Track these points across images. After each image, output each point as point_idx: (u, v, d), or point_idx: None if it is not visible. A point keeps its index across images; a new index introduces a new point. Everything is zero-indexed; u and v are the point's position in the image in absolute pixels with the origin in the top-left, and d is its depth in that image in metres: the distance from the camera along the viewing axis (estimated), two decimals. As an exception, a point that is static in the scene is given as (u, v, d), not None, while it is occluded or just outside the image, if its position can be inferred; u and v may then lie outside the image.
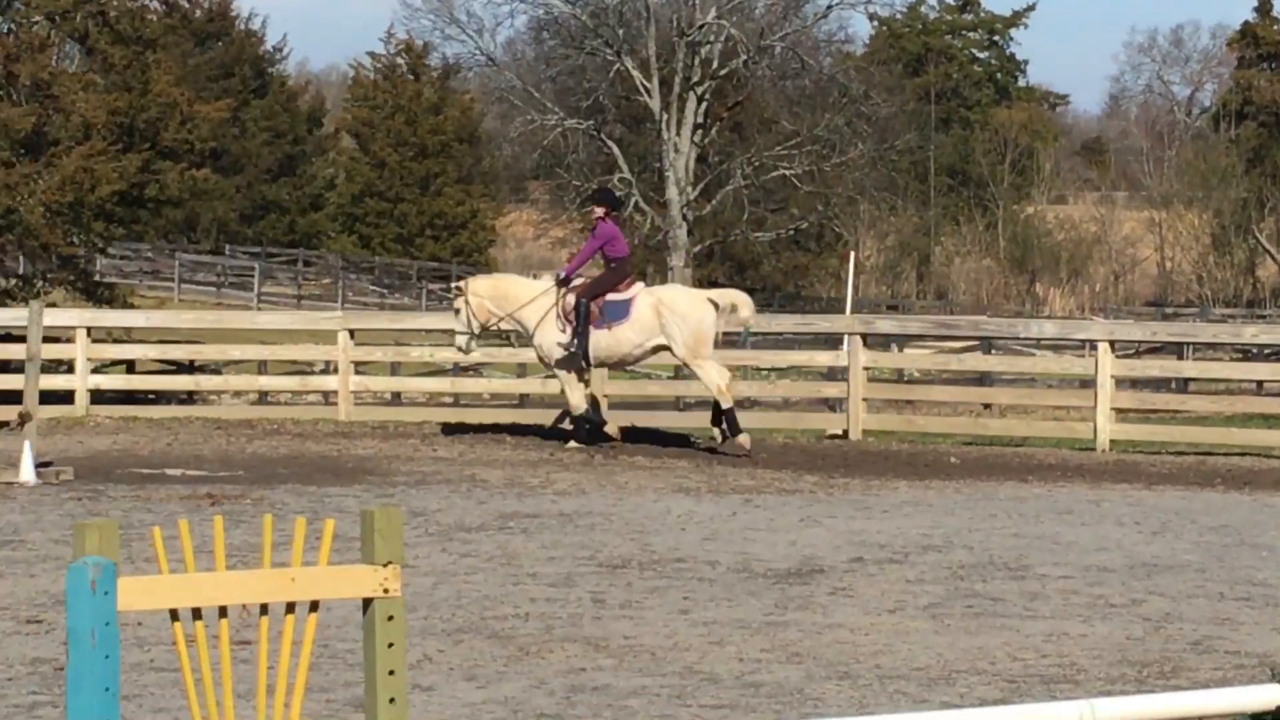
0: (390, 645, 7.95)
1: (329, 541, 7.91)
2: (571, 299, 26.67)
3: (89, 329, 32.40)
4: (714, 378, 27.48)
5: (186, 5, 51.49)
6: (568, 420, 27.99)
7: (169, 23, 49.46)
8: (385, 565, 7.90)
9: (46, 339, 27.62)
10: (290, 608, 7.83)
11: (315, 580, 7.91)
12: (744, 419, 30.56)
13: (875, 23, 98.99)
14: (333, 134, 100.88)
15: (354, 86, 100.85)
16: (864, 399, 30.14)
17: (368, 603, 7.94)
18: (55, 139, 43.99)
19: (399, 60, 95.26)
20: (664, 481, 24.76)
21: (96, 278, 50.26)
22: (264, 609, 7.83)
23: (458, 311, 27.46)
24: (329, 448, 28.28)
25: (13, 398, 27.62)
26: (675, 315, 27.12)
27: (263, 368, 36.03)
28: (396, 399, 34.22)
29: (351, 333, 32.33)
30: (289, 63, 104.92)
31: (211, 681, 7.67)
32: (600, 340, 26.63)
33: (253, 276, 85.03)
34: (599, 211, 28.48)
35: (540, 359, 27.71)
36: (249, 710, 7.85)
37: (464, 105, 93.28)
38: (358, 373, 32.07)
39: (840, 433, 29.74)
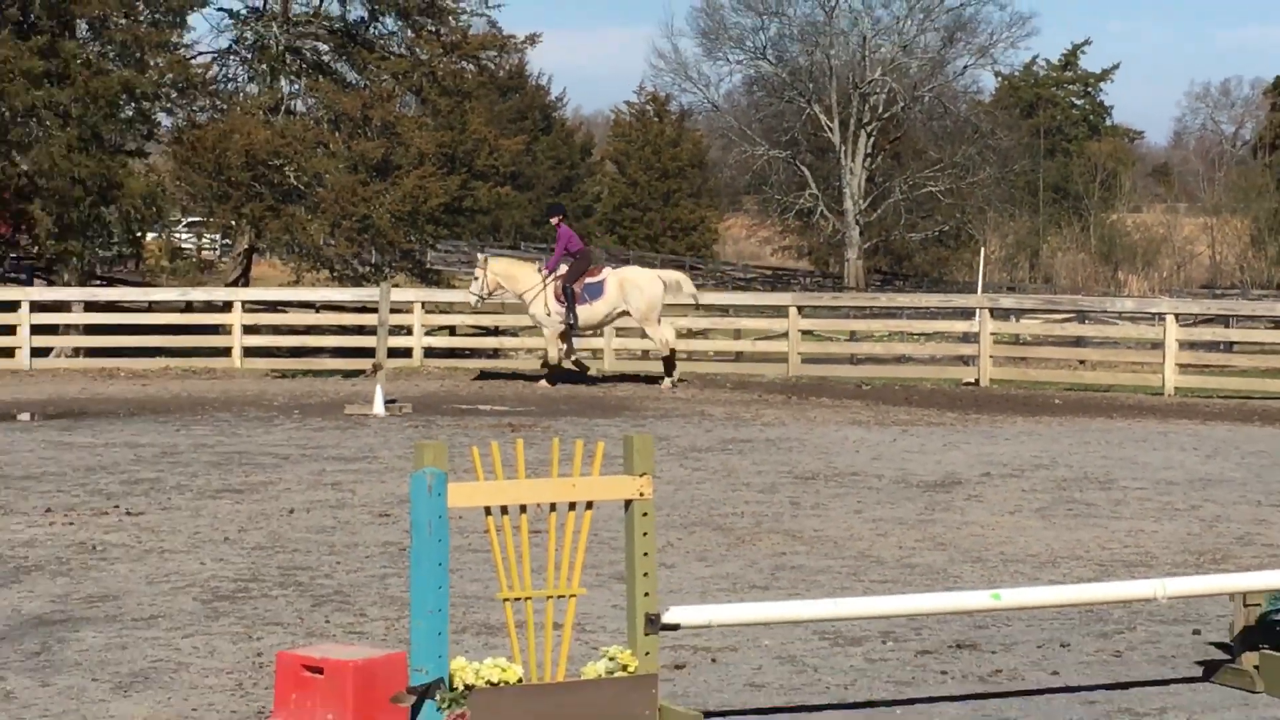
0: (644, 534, 8.24)
1: (600, 458, 8.13)
2: (557, 285, 27.57)
3: (423, 303, 32.77)
4: (661, 335, 28.60)
5: (493, 67, 51.54)
6: (542, 366, 29.41)
7: (480, 80, 49.66)
8: (641, 475, 8.19)
9: (393, 310, 28.13)
10: (571, 506, 8.10)
11: (590, 486, 8.21)
12: (901, 371, 32.00)
13: (999, 78, 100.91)
14: (599, 161, 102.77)
15: (615, 126, 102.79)
16: (990, 356, 30.13)
17: (628, 503, 8.24)
18: (398, 165, 44.40)
19: (647, 107, 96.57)
20: (842, 416, 25.19)
21: (427, 266, 50.40)
22: (552, 507, 8.07)
23: (476, 279, 28.36)
24: (598, 390, 28.41)
25: (368, 353, 28.18)
26: (635, 289, 28.13)
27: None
28: (645, 355, 34.15)
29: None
30: (567, 109, 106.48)
31: (515, 559, 7.90)
32: (583, 312, 27.69)
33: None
34: (555, 220, 29.12)
35: (535, 323, 28.84)
36: (540, 581, 8.04)
37: (695, 140, 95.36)
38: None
39: (973, 381, 29.94)
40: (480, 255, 29.92)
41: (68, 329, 33.60)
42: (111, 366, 31.32)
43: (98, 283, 42.87)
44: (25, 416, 23.84)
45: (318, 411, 24.83)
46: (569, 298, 27.46)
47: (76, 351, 32.95)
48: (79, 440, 20.93)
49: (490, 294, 28.36)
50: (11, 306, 32.43)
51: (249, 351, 32.07)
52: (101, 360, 31.83)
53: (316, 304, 37.34)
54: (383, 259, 45.56)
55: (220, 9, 47.60)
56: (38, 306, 32.57)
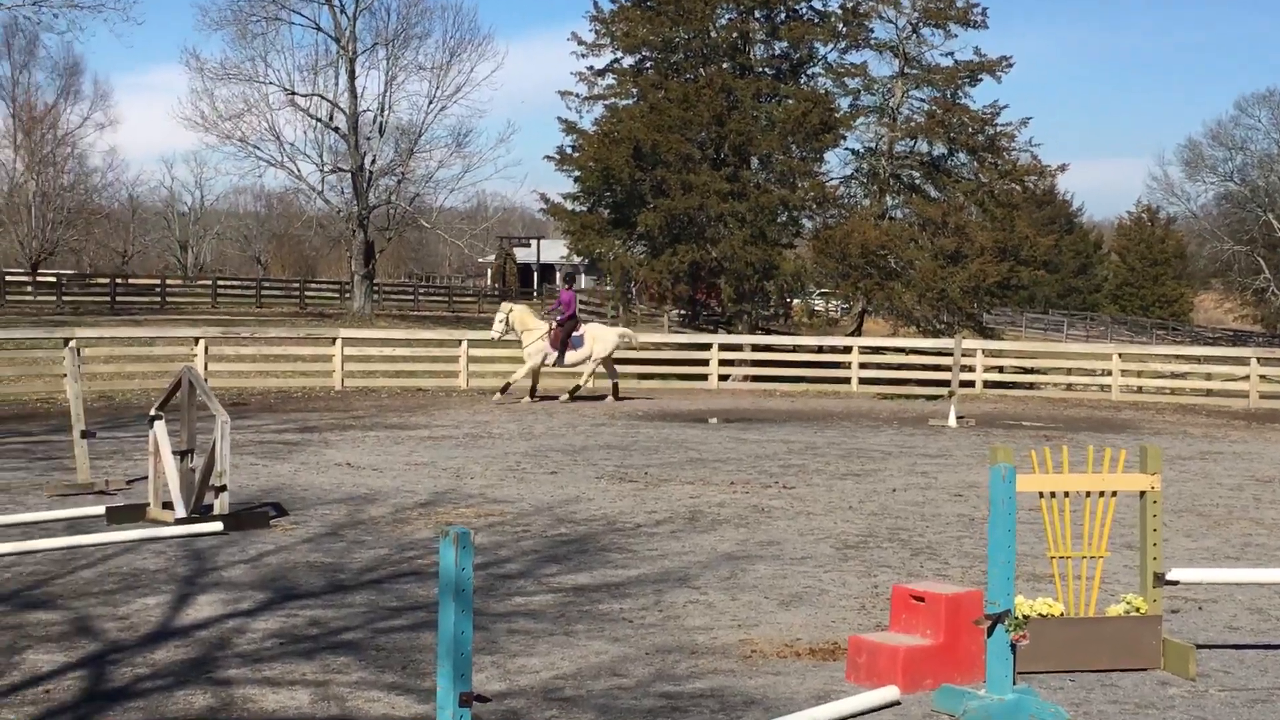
0: (1154, 516, 7.97)
1: (1122, 461, 7.87)
2: (555, 333, 26.40)
3: (982, 350, 32.33)
4: (613, 370, 27.82)
5: (1032, 187, 50.62)
6: (512, 387, 27.20)
7: (1024, 196, 48.90)
8: (1152, 474, 7.89)
9: (962, 354, 27.57)
10: (1100, 494, 7.83)
11: (1115, 481, 7.98)
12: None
13: None
14: (1106, 253, 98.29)
15: (1119, 228, 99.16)
16: None
17: (1142, 494, 7.93)
18: (965, 254, 43.99)
19: (1143, 215, 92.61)
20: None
21: (985, 325, 49.76)
22: (1086, 494, 7.83)
23: (503, 321, 26.64)
24: (1104, 413, 27.38)
25: (943, 384, 28.00)
26: (600, 341, 27.02)
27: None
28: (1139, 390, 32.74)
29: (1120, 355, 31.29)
30: (1084, 216, 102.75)
31: (1059, 529, 7.74)
32: (568, 356, 26.55)
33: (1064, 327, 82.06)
34: (567, 286, 28.27)
35: (526, 357, 26.69)
36: (1076, 545, 7.89)
37: (1177, 238, 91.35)
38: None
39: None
40: (505, 304, 28.33)
41: (740, 362, 34.44)
42: (770, 388, 31.95)
43: (760, 332, 43.81)
44: (713, 420, 24.35)
45: (910, 423, 24.68)
46: (562, 346, 26.34)
47: (746, 378, 33.73)
48: (750, 437, 21.32)
49: (507, 333, 26.68)
50: (705, 347, 33.55)
51: (862, 380, 32.28)
52: (763, 384, 32.51)
53: (907, 349, 37.38)
54: (953, 319, 45.03)
55: (847, 148, 48.25)
56: (722, 347, 33.57)
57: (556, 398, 27.03)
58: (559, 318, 26.89)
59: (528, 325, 26.72)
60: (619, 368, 28.88)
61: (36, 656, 8.11)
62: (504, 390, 26.87)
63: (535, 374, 26.88)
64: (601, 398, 27.43)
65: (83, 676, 7.73)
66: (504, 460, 17.52)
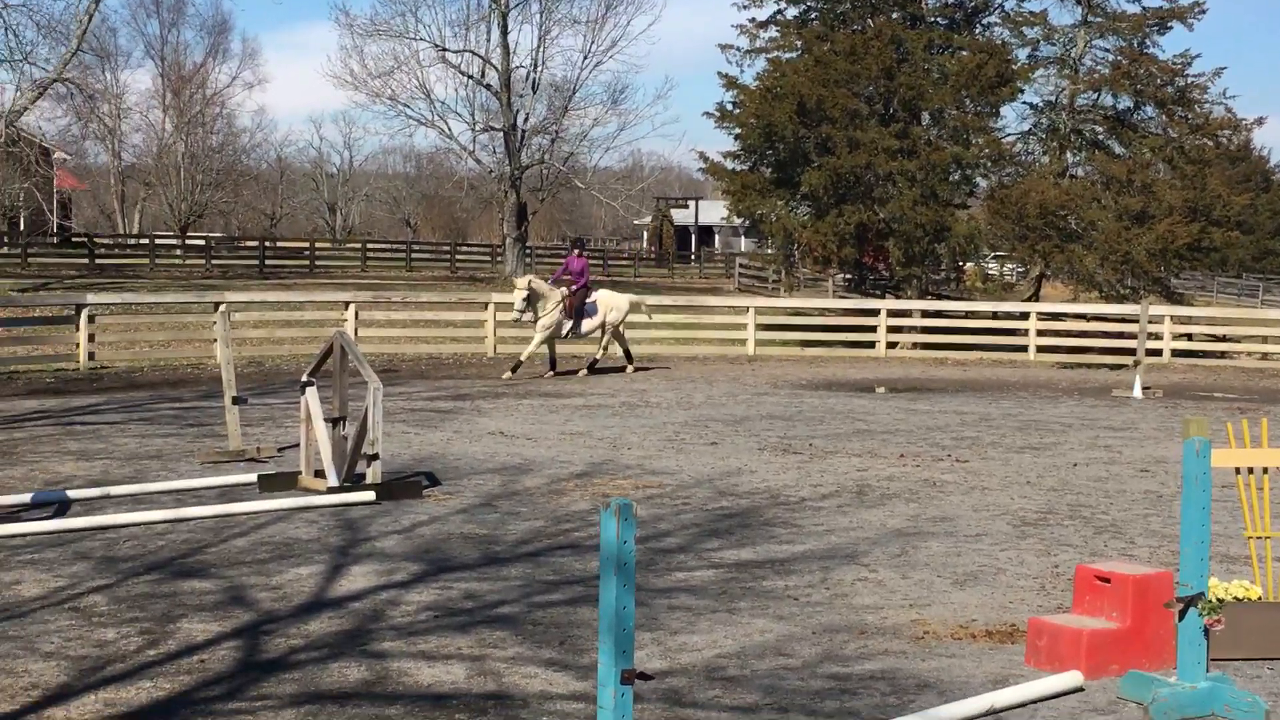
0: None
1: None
2: (570, 301, 25.35)
3: (1171, 316, 31.98)
4: (623, 338, 27.07)
5: (1226, 142, 49.32)
6: (525, 363, 25.51)
7: (1217, 152, 47.65)
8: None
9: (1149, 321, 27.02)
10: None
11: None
12: None
13: None
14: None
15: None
16: None
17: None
18: (1153, 215, 42.95)
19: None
20: None
21: (1173, 290, 48.52)
22: (1265, 470, 7.63)
23: (524, 296, 24.99)
24: (1308, 386, 26.68)
25: (1128, 352, 27.47)
26: (612, 307, 26.30)
27: None
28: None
29: None
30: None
31: (1259, 508, 7.53)
32: (584, 325, 25.70)
33: None
34: (577, 252, 26.48)
35: (539, 329, 25.15)
36: (1277, 525, 7.67)
37: None
38: None
39: None
40: (524, 277, 27.23)
41: (910, 329, 34.10)
42: (941, 356, 31.62)
43: (931, 298, 43.32)
44: (881, 390, 24.24)
45: (1091, 394, 24.30)
46: (577, 314, 25.52)
47: (915, 345, 33.39)
48: (920, 408, 21.20)
49: (527, 310, 25.18)
50: (873, 313, 33.26)
51: (1040, 349, 31.82)
52: (934, 352, 32.18)
53: (1088, 315, 36.69)
54: (1139, 283, 44.06)
55: (1025, 102, 47.44)
56: (890, 313, 33.25)
57: (576, 371, 26.20)
58: (573, 286, 25.98)
59: (545, 295, 25.55)
60: (631, 335, 28.36)
61: (191, 626, 8.36)
62: (515, 369, 25.21)
63: (553, 345, 25.88)
64: (621, 369, 26.89)
65: (237, 647, 7.95)
66: (662, 430, 17.61)
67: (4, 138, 41.60)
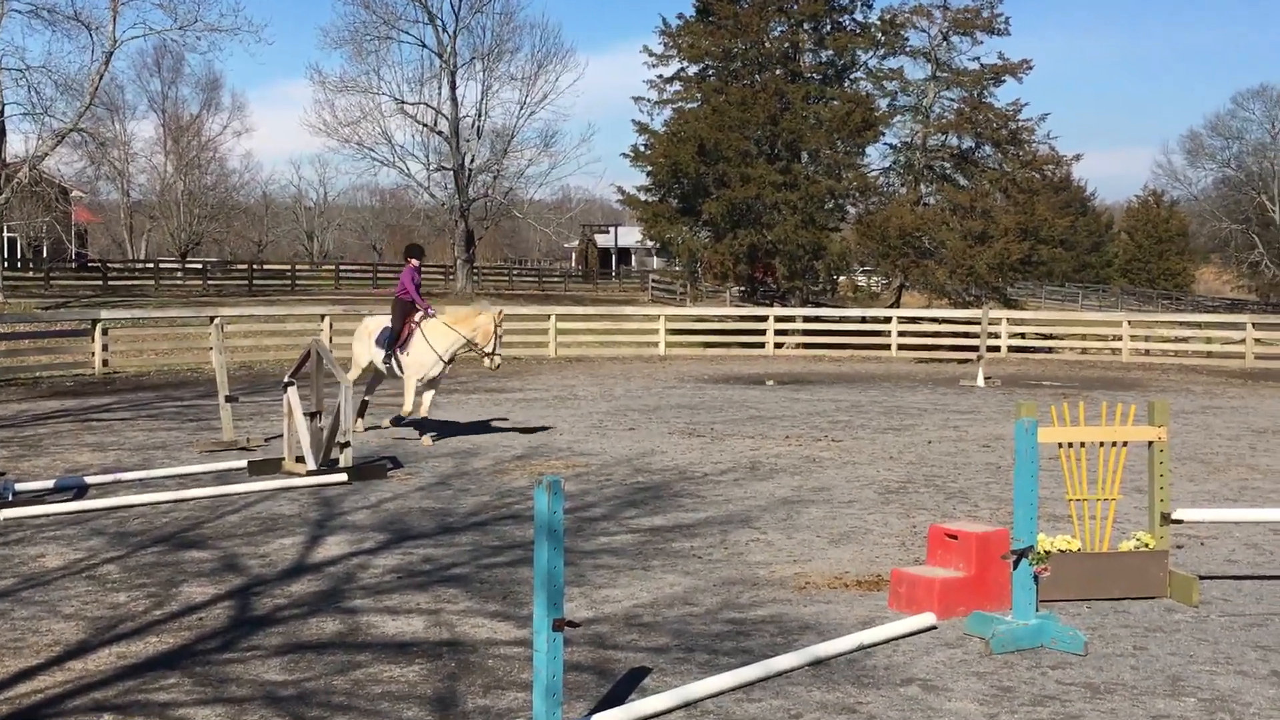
0: (1161, 463, 7.83)
1: (1132, 415, 7.76)
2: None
3: (1006, 319, 31.87)
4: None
5: (1050, 175, 49.89)
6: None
7: (1043, 183, 48.20)
8: (1159, 426, 7.77)
9: (989, 323, 27.10)
10: (1113, 444, 7.71)
11: (1126, 432, 7.89)
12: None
13: None
14: (1117, 232, 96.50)
15: (1128, 211, 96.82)
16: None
17: (1150, 444, 7.81)
18: (991, 235, 43.44)
19: (1149, 198, 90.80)
20: (1286, 395, 22.59)
21: (1009, 297, 48.97)
22: (1100, 444, 7.72)
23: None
24: (1115, 373, 26.91)
25: (972, 349, 27.70)
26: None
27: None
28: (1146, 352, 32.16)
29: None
30: (1096, 199, 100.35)
31: (1077, 475, 7.62)
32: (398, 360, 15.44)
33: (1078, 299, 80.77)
34: (415, 263, 15.70)
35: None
36: (1091, 489, 7.79)
37: (1180, 218, 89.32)
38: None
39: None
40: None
41: (794, 332, 34.21)
42: (820, 354, 31.72)
43: (811, 305, 43.53)
44: (770, 382, 24.17)
45: (943, 384, 24.40)
46: (390, 343, 15.34)
47: (798, 345, 33.51)
48: (802, 397, 21.16)
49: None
50: (763, 319, 33.27)
51: (900, 347, 31.99)
52: (814, 350, 32.29)
53: (940, 319, 36.93)
54: (981, 292, 44.54)
55: (886, 143, 47.91)
56: (777, 319, 33.29)
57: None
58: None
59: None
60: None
61: (191, 589, 8.22)
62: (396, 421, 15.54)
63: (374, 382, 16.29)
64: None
65: (230, 606, 7.83)
66: (588, 419, 17.49)
67: (28, 179, 40.87)
